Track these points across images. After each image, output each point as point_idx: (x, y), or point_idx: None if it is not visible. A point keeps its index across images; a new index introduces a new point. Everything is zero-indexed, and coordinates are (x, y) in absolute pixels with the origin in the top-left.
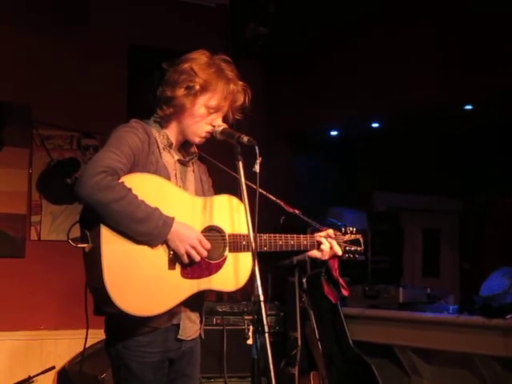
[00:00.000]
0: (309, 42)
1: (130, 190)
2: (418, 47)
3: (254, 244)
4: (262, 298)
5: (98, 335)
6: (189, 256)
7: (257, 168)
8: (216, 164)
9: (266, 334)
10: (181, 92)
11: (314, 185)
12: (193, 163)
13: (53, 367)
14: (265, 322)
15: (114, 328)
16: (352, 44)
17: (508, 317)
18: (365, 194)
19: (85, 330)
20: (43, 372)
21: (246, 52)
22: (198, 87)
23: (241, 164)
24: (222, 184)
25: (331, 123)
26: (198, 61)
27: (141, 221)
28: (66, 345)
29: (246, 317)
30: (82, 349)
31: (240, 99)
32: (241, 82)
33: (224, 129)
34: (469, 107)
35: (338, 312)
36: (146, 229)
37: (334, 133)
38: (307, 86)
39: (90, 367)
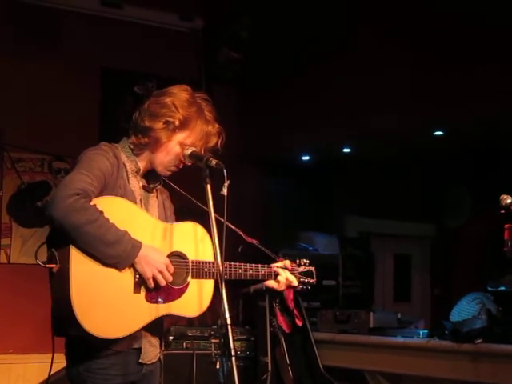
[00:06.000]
0: (281, 67)
1: (102, 212)
2: (389, 73)
3: (221, 268)
4: (229, 321)
5: None
6: (155, 280)
7: (225, 191)
8: (180, 191)
9: (233, 358)
10: (159, 125)
11: (287, 209)
12: (156, 189)
13: None
14: (231, 346)
15: (75, 351)
16: (325, 70)
17: (477, 342)
18: (337, 218)
19: (55, 354)
20: None
21: (219, 76)
22: (177, 123)
23: (209, 187)
24: (188, 208)
25: (303, 148)
26: (180, 96)
27: (111, 243)
28: (34, 369)
29: (213, 340)
30: (51, 373)
31: (213, 141)
32: (217, 125)
33: (192, 152)
34: (439, 133)
35: (309, 337)
36: (116, 252)
37: (305, 158)
38: (280, 110)
39: None
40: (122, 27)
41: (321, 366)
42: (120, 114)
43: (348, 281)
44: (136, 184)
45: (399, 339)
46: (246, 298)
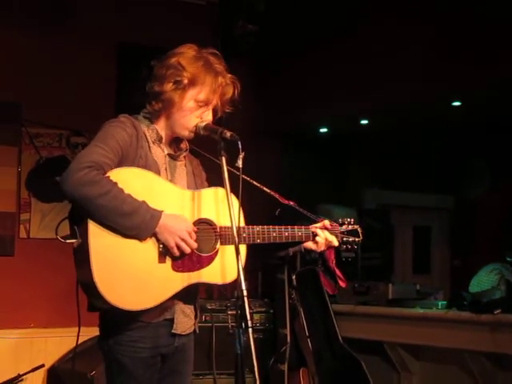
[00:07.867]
0: (298, 40)
1: (115, 184)
2: (405, 44)
3: (236, 239)
4: (245, 293)
5: (88, 333)
6: (179, 248)
7: (239, 163)
8: (208, 157)
9: (250, 330)
10: (169, 87)
11: (304, 182)
12: (185, 157)
13: (42, 365)
14: (248, 318)
15: (106, 323)
16: (341, 42)
17: (496, 312)
18: (355, 191)
19: (75, 328)
20: (33, 370)
21: (236, 50)
22: (186, 81)
23: (224, 159)
24: (217, 177)
25: (320, 120)
26: (186, 55)
27: (127, 215)
28: (56, 342)
29: (230, 312)
30: (71, 346)
31: (229, 92)
32: (229, 75)
33: (207, 124)
34: (457, 104)
35: (328, 309)
36: (133, 223)
37: (323, 130)
38: (296, 83)
39: (79, 365)
40: (137, 1)
41: (340, 338)
42: (136, 87)
43: (367, 253)
44: (160, 153)
45: (418, 310)
46: (265, 270)
